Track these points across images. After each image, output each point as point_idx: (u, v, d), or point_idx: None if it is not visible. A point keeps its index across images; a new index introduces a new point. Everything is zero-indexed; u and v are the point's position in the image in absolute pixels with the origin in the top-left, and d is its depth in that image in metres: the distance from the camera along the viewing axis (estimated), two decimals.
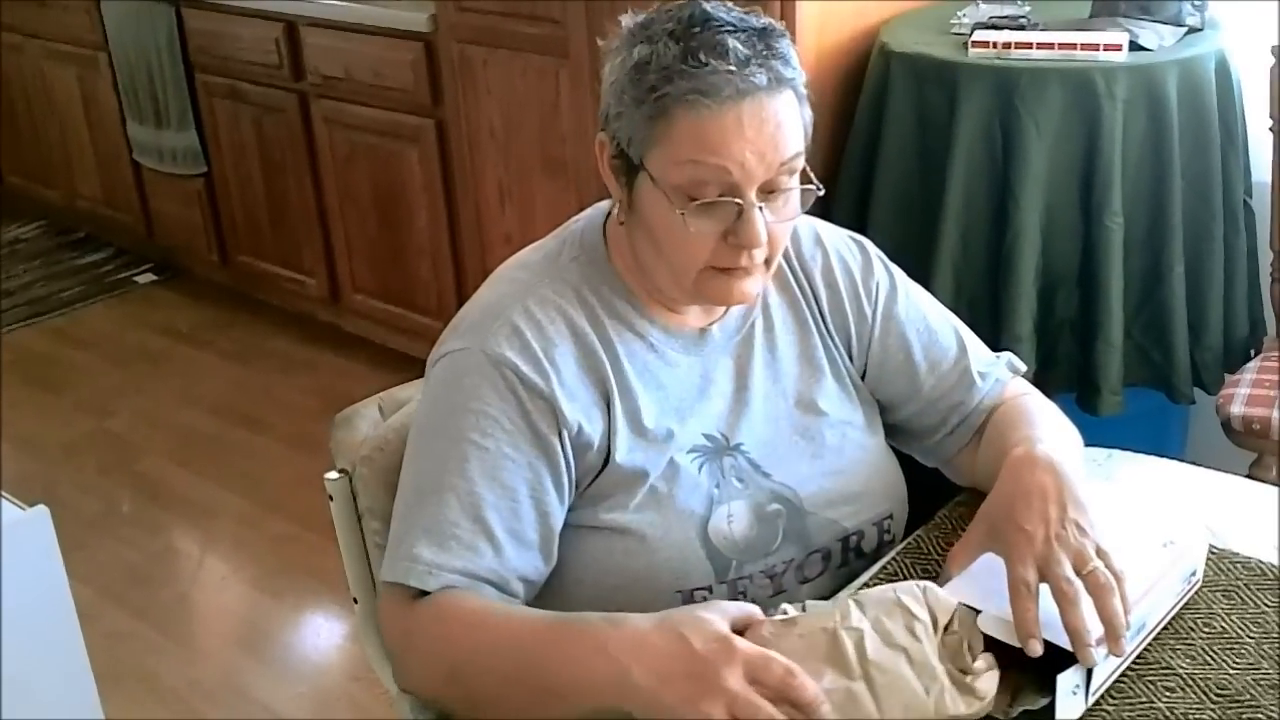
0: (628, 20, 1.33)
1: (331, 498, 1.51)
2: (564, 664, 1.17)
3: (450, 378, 1.35)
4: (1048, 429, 1.42)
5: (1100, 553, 1.21)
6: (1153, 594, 1.24)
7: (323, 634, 2.93)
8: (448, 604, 1.27)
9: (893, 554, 1.43)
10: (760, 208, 1.28)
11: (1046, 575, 1.18)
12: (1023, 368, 1.58)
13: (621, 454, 1.35)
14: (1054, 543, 1.20)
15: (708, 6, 1.29)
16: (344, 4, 3.56)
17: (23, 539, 1.74)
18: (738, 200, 1.27)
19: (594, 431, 1.35)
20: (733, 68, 1.24)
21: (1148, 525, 1.33)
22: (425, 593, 1.28)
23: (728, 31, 1.26)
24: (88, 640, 1.88)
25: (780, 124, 1.27)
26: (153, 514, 3.35)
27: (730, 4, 1.32)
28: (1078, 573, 1.18)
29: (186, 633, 2.95)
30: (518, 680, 1.20)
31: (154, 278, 4.76)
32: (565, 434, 1.33)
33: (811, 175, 1.33)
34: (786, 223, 1.33)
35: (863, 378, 1.52)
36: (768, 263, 1.34)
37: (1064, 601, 1.16)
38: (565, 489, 1.35)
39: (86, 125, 4.70)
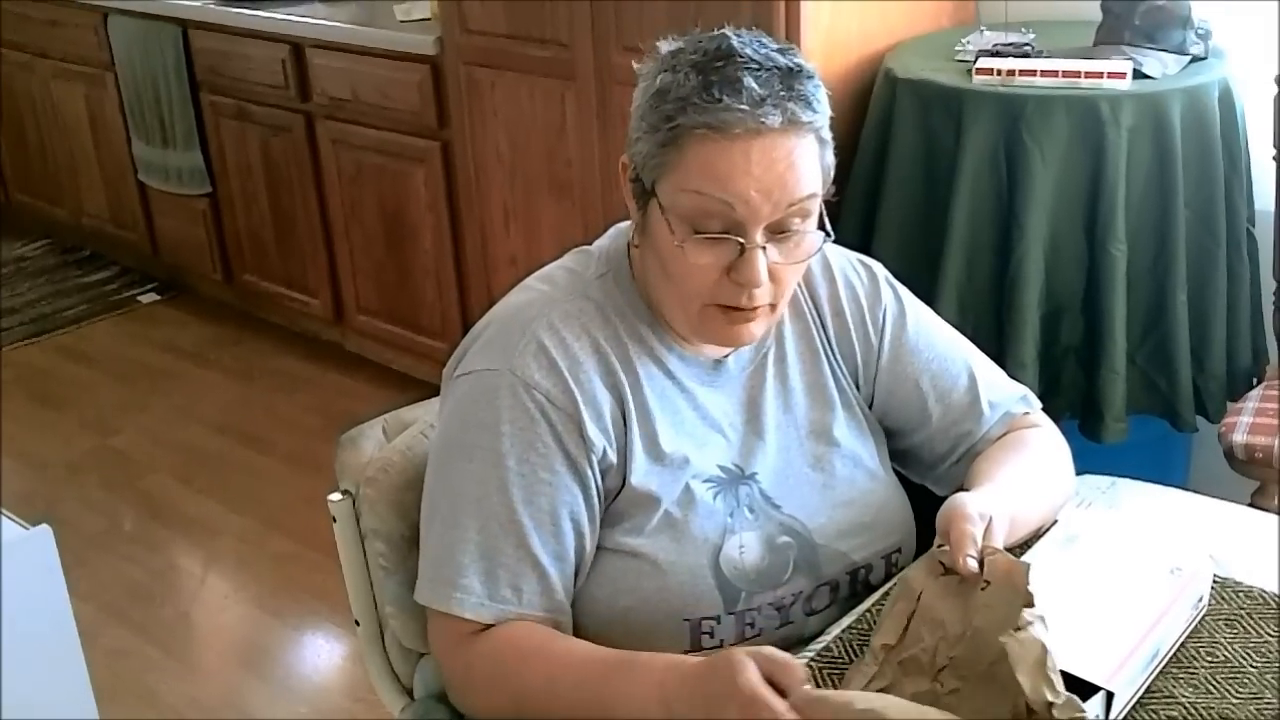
0: (665, 45, 1.33)
1: (335, 519, 1.51)
2: (623, 698, 1.20)
3: (480, 398, 1.36)
4: (1015, 468, 1.42)
5: None
6: (1164, 622, 1.24)
7: (323, 653, 2.92)
8: (507, 639, 1.31)
9: (891, 584, 1.42)
10: (764, 248, 1.28)
11: None
12: (1038, 405, 1.56)
13: (637, 476, 1.36)
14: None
15: (736, 41, 1.29)
16: (350, 26, 3.57)
17: (25, 558, 1.74)
18: (740, 239, 1.27)
19: (614, 452, 1.36)
20: (745, 106, 1.24)
21: (1154, 552, 1.33)
22: (469, 624, 1.32)
23: (749, 69, 1.26)
24: (88, 657, 1.89)
25: (793, 165, 1.27)
26: (155, 532, 3.35)
27: (767, 39, 1.32)
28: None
29: (187, 651, 2.95)
30: (579, 713, 1.24)
31: (158, 296, 4.77)
32: (593, 456, 1.34)
33: (826, 220, 1.33)
34: (796, 265, 1.33)
35: (870, 406, 1.51)
36: (773, 305, 1.34)
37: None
38: (596, 509, 1.36)
39: (93, 144, 4.72)
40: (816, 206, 1.31)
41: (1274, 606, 1.33)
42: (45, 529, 1.78)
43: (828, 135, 1.32)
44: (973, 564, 1.18)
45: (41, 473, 3.60)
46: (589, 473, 1.34)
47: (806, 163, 1.28)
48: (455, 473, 1.36)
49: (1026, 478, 1.41)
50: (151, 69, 4.23)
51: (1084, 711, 1.07)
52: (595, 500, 1.36)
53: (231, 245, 4.34)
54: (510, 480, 1.32)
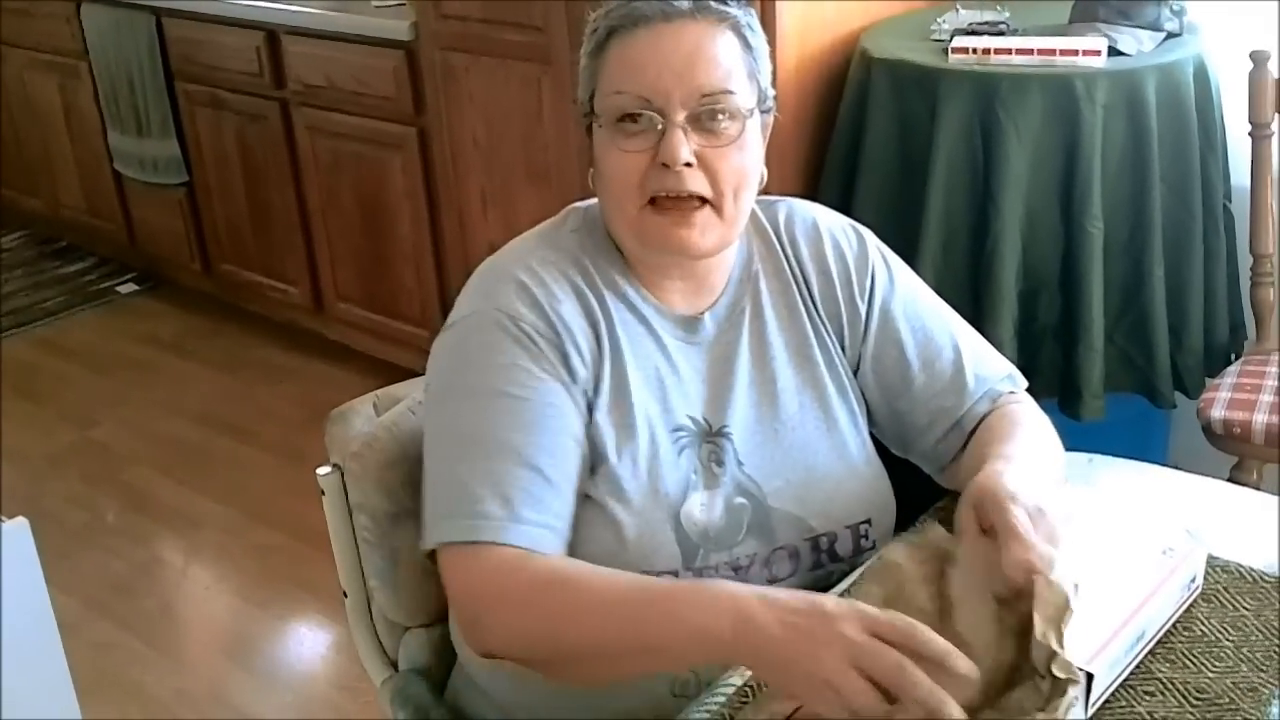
0: None
1: (323, 492, 1.52)
2: (682, 614, 1.14)
3: (470, 339, 1.37)
4: (1024, 444, 1.40)
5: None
6: (1152, 602, 1.24)
7: (308, 643, 2.92)
8: (541, 565, 1.26)
9: (871, 561, 1.42)
10: (685, 129, 1.31)
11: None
12: (1023, 384, 1.55)
13: (601, 414, 1.36)
14: (1043, 507, 1.20)
15: None
16: (325, 12, 3.56)
17: (2, 552, 1.73)
18: (659, 119, 1.31)
19: (591, 389, 1.37)
20: None
21: (1146, 533, 1.33)
22: (496, 553, 1.26)
23: None
24: (72, 651, 1.88)
25: (702, 50, 1.32)
26: (137, 524, 3.34)
27: None
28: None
29: (171, 643, 2.94)
30: (619, 637, 1.19)
31: (137, 287, 4.76)
32: (579, 386, 1.35)
33: (771, 104, 1.39)
34: (724, 150, 1.33)
35: (855, 373, 1.51)
36: (717, 207, 1.34)
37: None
38: (587, 436, 1.36)
39: (68, 134, 4.69)
40: (742, 106, 1.34)
41: (1250, 582, 1.34)
42: (22, 522, 1.76)
43: (755, 42, 1.37)
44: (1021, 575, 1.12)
45: (22, 466, 3.59)
46: (580, 399, 1.35)
47: (725, 55, 1.34)
48: (456, 412, 1.35)
49: (1033, 456, 1.39)
50: (125, 58, 4.21)
51: (1079, 679, 1.07)
52: (586, 426, 1.36)
53: (209, 235, 4.32)
54: (511, 407, 1.32)
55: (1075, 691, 1.07)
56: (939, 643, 1.04)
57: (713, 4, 1.34)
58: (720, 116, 1.33)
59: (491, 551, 1.27)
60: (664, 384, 1.40)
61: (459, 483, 1.30)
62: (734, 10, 1.36)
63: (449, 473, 1.32)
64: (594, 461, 1.36)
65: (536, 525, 1.28)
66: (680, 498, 1.36)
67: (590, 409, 1.36)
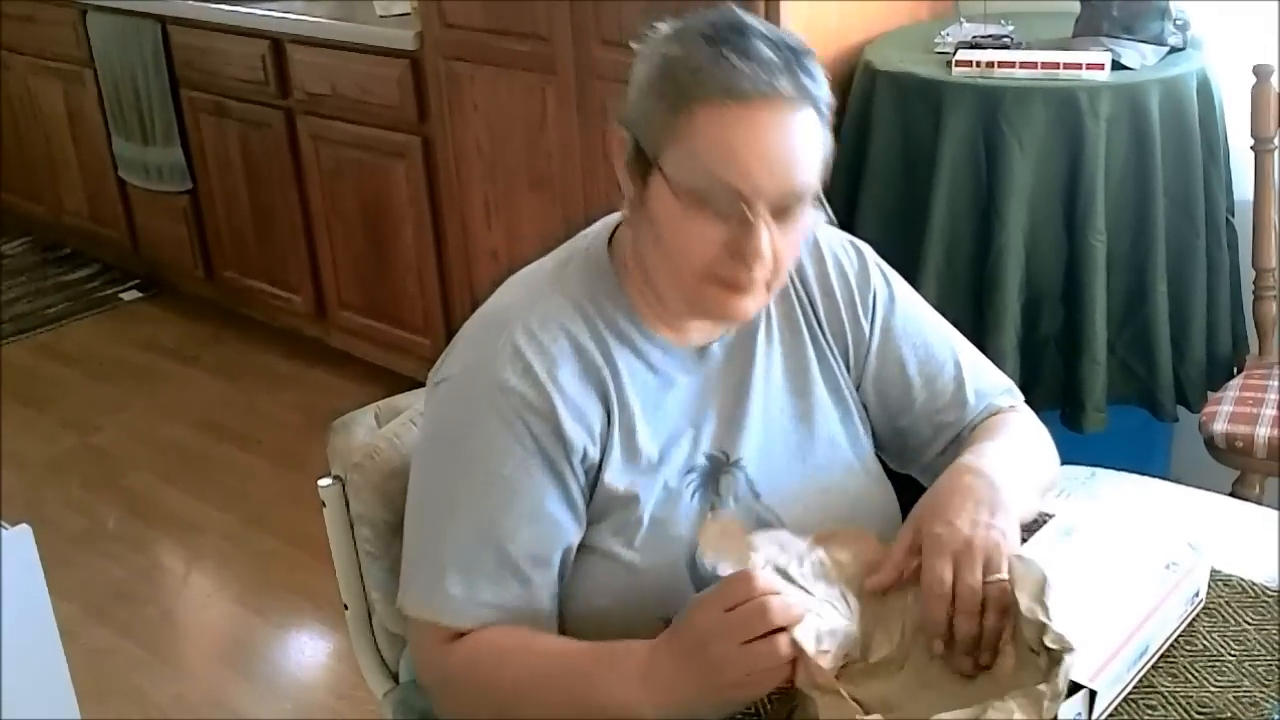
0: (663, 25, 1.32)
1: (325, 504, 1.52)
2: (607, 688, 1.21)
3: (456, 403, 1.36)
4: (1006, 444, 1.41)
5: None
6: (1155, 617, 1.24)
7: (307, 650, 2.92)
8: (484, 641, 1.30)
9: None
10: (769, 224, 1.26)
11: (956, 575, 1.19)
12: (1021, 399, 1.55)
13: (611, 473, 1.35)
14: (973, 541, 1.21)
15: (742, 14, 1.29)
16: (329, 21, 3.56)
17: (5, 558, 1.74)
18: (746, 211, 1.25)
19: (595, 450, 1.34)
20: (760, 71, 1.23)
21: (1151, 547, 1.32)
22: (453, 633, 1.32)
23: (760, 38, 1.26)
24: (72, 657, 1.88)
25: (798, 146, 1.26)
26: (138, 530, 3.34)
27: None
28: (985, 577, 1.19)
29: (171, 649, 2.94)
30: (566, 707, 1.24)
31: (139, 294, 4.76)
32: (573, 457, 1.33)
33: (825, 202, 1.33)
34: (791, 241, 1.31)
35: (857, 389, 1.50)
36: (768, 284, 1.32)
37: (961, 608, 1.18)
38: (580, 508, 1.35)
39: (72, 141, 4.70)
40: (816, 190, 1.30)
41: (1253, 596, 1.34)
42: (25, 529, 1.77)
43: (827, 114, 1.31)
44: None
45: (23, 471, 3.59)
46: (568, 473, 1.33)
47: (812, 143, 1.27)
48: (433, 480, 1.36)
49: (1014, 452, 1.40)
50: (130, 65, 4.21)
51: (1072, 647, 1.08)
52: (578, 499, 1.34)
53: (212, 242, 4.33)
54: (488, 485, 1.31)
55: (1071, 659, 1.07)
56: (766, 580, 1.13)
57: (809, 87, 1.27)
58: (798, 208, 1.29)
59: (450, 633, 1.32)
60: (677, 426, 1.39)
61: (427, 556, 1.34)
62: (820, 90, 1.29)
63: (420, 541, 1.36)
64: (604, 513, 1.36)
65: (494, 611, 1.31)
66: (693, 538, 1.35)
67: (597, 469, 1.35)
